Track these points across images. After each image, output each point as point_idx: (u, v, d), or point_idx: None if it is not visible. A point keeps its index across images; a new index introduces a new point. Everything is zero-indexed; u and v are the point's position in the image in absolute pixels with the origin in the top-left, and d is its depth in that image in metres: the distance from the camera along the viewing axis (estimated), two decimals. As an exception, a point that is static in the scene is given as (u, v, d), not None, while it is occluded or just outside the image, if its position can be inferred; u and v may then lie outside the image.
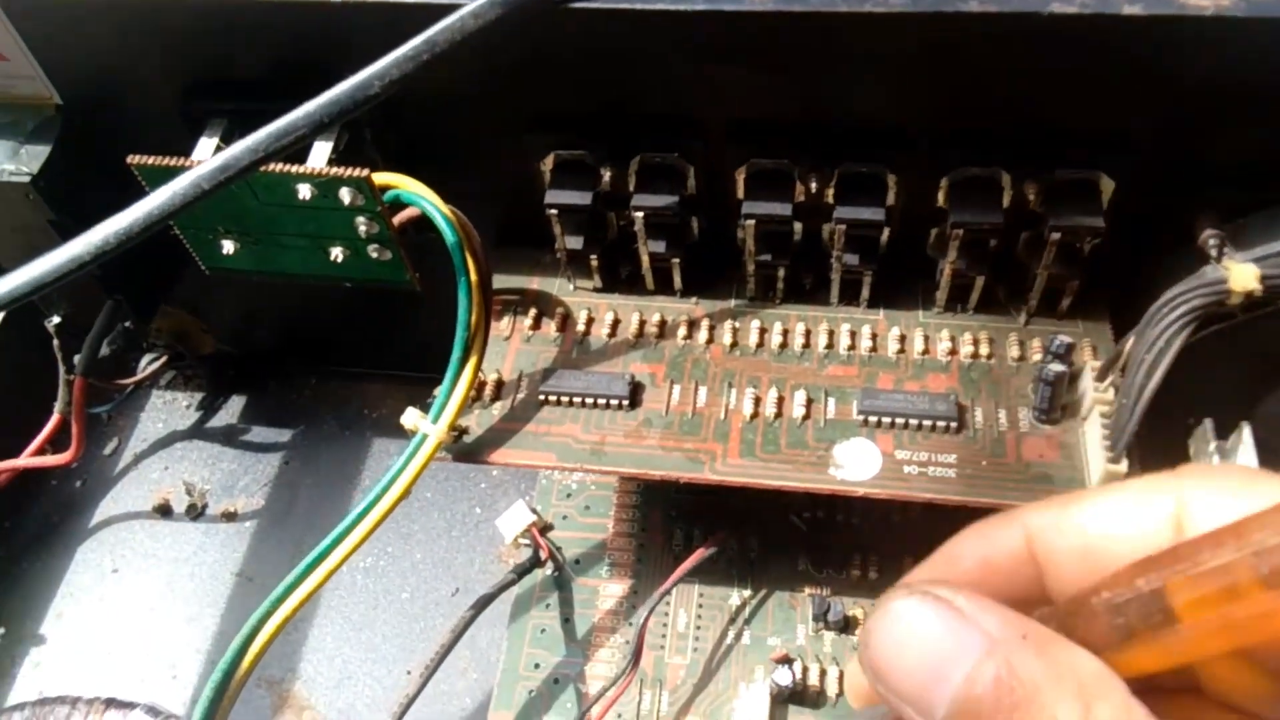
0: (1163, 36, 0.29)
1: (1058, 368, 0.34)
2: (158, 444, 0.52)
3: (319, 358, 0.54)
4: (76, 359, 0.46)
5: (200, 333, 0.51)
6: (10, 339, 0.49)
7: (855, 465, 0.34)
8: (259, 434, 0.52)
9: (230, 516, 0.49)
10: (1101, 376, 0.34)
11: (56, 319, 0.45)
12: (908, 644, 0.17)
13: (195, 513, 0.49)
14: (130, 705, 0.37)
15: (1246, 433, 0.35)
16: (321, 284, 0.39)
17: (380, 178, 0.35)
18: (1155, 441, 0.37)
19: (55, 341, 0.45)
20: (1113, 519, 0.19)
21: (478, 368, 0.35)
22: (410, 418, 0.35)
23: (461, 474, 0.50)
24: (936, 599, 0.17)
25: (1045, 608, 0.19)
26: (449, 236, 0.34)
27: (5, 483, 0.47)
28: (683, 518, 0.44)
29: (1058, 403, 0.35)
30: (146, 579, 0.48)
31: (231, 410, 0.53)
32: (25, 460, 0.47)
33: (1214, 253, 0.33)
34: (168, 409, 0.53)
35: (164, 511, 0.50)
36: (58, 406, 0.47)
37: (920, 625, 0.17)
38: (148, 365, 0.51)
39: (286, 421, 0.52)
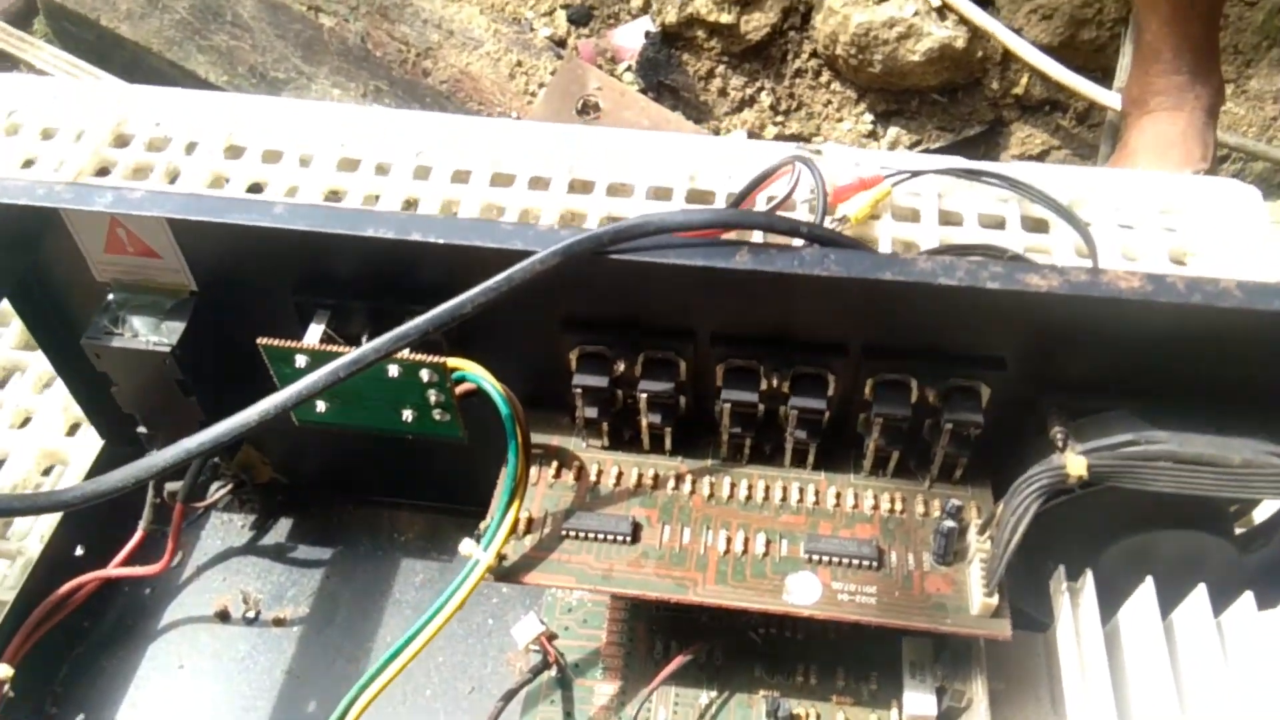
0: (1013, 300, 0.42)
1: (950, 524, 0.46)
2: (217, 558, 0.61)
3: (356, 488, 0.64)
4: (169, 486, 0.57)
5: (261, 464, 0.62)
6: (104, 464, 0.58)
7: (801, 592, 0.46)
8: (304, 552, 0.62)
9: (280, 622, 0.59)
10: (981, 531, 0.46)
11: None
12: None
13: (250, 619, 0.59)
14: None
15: (1088, 577, 0.47)
16: (387, 435, 0.50)
17: (452, 362, 0.46)
18: (1029, 579, 0.49)
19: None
20: None
21: (520, 509, 0.46)
22: (466, 546, 0.46)
23: (477, 591, 0.60)
24: None
25: None
26: (503, 409, 0.46)
27: (93, 589, 0.56)
28: (661, 631, 0.54)
29: (951, 549, 0.47)
30: (209, 675, 0.57)
31: (280, 531, 0.63)
32: (115, 570, 0.57)
33: (1060, 444, 0.46)
34: (225, 528, 0.63)
35: (224, 616, 0.59)
36: (142, 524, 0.57)
37: None
38: (216, 491, 0.61)
39: (327, 541, 0.62)
